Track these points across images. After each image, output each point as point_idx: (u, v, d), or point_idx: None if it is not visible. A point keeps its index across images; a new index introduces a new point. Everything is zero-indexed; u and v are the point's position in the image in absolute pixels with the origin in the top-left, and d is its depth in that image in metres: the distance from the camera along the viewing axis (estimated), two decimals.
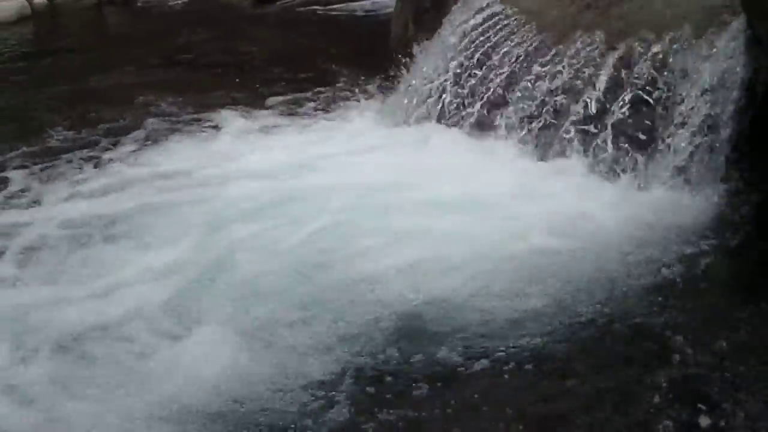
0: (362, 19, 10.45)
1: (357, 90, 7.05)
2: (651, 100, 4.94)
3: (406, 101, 6.04)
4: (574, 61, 5.22)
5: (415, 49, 6.37)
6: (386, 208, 4.84)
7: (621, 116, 4.96)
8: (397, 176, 5.20)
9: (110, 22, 12.02)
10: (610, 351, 3.60)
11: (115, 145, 6.34)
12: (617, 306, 3.87)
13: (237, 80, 7.87)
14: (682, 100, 4.84)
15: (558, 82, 5.27)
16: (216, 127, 6.55)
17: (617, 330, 3.71)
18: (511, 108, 5.43)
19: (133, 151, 6.18)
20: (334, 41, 9.18)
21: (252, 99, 7.14)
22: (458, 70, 5.79)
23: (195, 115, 6.85)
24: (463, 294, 4.00)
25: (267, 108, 6.90)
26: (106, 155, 6.11)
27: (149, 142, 6.34)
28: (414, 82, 6.11)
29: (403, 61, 6.45)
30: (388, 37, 7.81)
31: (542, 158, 5.26)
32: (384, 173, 5.27)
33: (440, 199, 4.87)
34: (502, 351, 3.59)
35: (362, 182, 5.20)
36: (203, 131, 6.50)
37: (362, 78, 7.34)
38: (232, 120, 6.64)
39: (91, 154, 6.17)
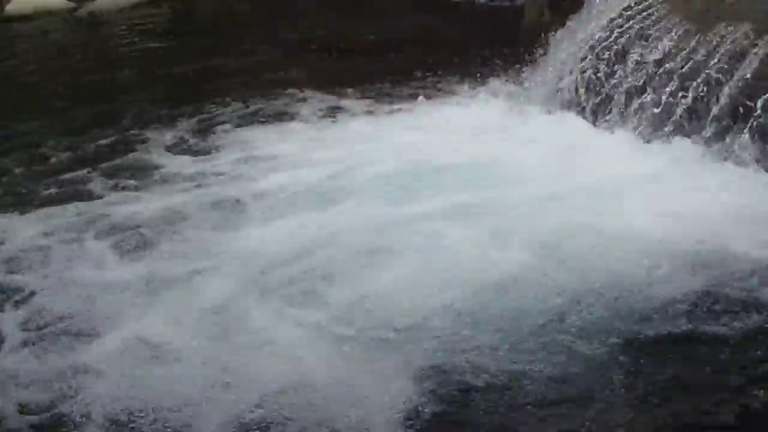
0: (492, 8, 10.39)
1: (489, 76, 7.02)
2: None
3: (541, 89, 5.99)
4: (720, 51, 5.06)
5: (551, 36, 6.32)
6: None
7: None
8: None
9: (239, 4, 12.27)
10: None
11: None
12: None
13: (369, 64, 7.94)
14: None
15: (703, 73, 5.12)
16: (352, 110, 6.65)
17: None
18: (649, 98, 5.31)
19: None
20: (465, 27, 9.17)
21: (386, 84, 7.19)
22: (597, 59, 5.70)
23: (330, 97, 6.97)
24: None
25: (400, 92, 6.96)
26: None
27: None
28: (550, 69, 6.05)
29: (538, 48, 6.40)
30: (518, 24, 7.76)
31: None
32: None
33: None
34: None
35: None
36: (339, 112, 6.61)
37: (494, 65, 7.30)
38: (368, 103, 6.73)
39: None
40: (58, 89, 8.38)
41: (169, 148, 6.18)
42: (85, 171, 5.85)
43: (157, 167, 5.84)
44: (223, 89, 7.45)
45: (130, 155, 6.12)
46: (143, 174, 5.74)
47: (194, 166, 5.78)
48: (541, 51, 6.32)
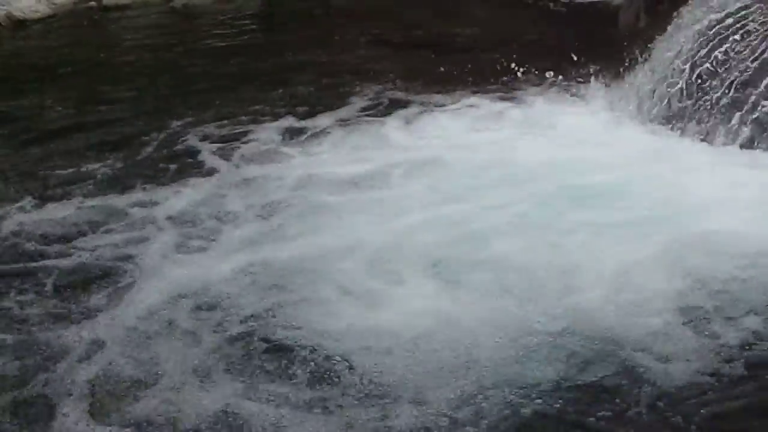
0: (585, 8, 10.33)
1: (582, 81, 7.02)
2: None
3: (637, 97, 5.98)
4: None
5: (648, 41, 6.31)
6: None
7: None
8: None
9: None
10: None
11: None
12: None
13: (455, 62, 7.97)
14: None
15: None
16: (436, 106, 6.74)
17: None
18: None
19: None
20: (554, 29, 9.16)
21: (475, 82, 7.25)
22: (695, 67, 5.68)
23: (414, 95, 7.06)
24: None
25: (489, 92, 7.00)
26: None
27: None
28: (645, 76, 6.04)
29: (634, 54, 6.39)
30: (613, 27, 7.74)
31: None
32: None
33: None
34: None
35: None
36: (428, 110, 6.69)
37: (586, 69, 7.30)
38: (458, 101, 6.79)
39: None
40: (153, 77, 8.69)
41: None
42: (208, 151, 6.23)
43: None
44: (318, 84, 7.60)
45: (247, 144, 6.38)
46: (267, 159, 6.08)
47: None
48: (637, 56, 6.31)
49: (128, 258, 4.87)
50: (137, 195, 5.75)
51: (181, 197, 5.64)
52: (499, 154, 5.66)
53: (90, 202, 5.70)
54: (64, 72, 9.47)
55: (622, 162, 5.36)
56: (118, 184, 6.01)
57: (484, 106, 6.71)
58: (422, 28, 9.57)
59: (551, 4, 10.30)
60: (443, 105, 6.87)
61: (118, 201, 5.67)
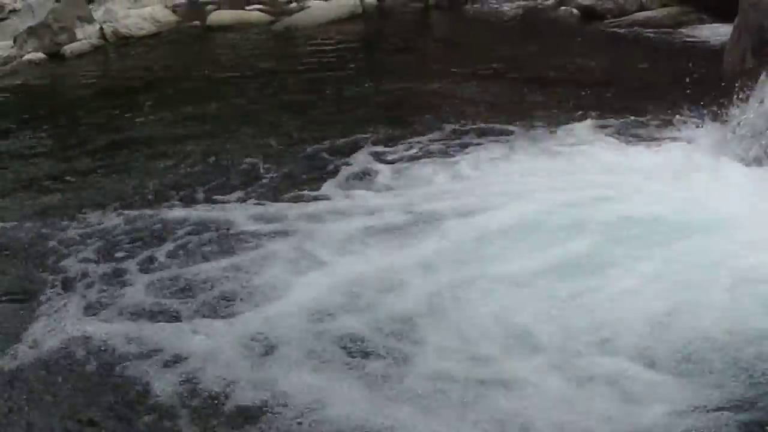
0: (691, 46, 10.19)
1: (684, 119, 6.90)
2: None
3: (742, 137, 5.87)
4: None
5: (753, 82, 6.18)
6: None
7: None
8: None
9: (435, 25, 12.47)
10: None
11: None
12: None
13: (559, 96, 7.91)
14: None
15: None
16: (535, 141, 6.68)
17: None
18: None
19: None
20: (660, 65, 9.03)
21: (575, 117, 7.17)
22: None
23: (516, 127, 7.02)
24: None
25: (589, 127, 6.92)
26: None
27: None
28: (751, 117, 5.92)
29: (739, 94, 6.27)
30: (718, 67, 7.60)
31: None
32: None
33: None
34: None
35: None
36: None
37: (690, 107, 7.16)
38: (564, 137, 6.73)
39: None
40: (251, 95, 8.92)
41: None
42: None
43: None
44: (413, 113, 7.62)
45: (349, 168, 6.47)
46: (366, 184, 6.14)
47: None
48: (743, 99, 6.18)
49: None
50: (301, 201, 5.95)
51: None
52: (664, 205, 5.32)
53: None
54: (165, 86, 9.80)
55: None
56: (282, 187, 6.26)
57: (602, 147, 6.53)
58: (527, 62, 9.49)
59: (654, 41, 10.18)
60: (536, 138, 6.78)
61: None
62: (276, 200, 5.97)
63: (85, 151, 7.56)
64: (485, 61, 9.43)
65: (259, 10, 13.50)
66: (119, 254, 5.33)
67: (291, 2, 14.01)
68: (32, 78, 11.10)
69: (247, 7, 13.90)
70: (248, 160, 6.81)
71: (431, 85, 8.60)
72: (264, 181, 6.38)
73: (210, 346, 4.21)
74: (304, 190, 6.13)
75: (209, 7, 14.71)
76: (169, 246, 5.37)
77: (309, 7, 12.92)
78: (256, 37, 12.04)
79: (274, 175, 6.50)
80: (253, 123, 7.92)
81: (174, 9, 14.59)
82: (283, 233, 5.36)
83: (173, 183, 6.53)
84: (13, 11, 17.61)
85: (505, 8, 12.24)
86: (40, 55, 11.92)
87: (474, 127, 7.07)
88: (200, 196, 6.22)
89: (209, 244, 5.34)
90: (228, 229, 5.52)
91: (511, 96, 8.11)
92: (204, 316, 4.52)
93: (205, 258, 5.16)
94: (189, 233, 5.53)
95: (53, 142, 8.08)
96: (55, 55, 12.01)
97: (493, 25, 11.59)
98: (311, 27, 11.97)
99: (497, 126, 7.06)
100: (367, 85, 8.84)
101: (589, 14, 11.27)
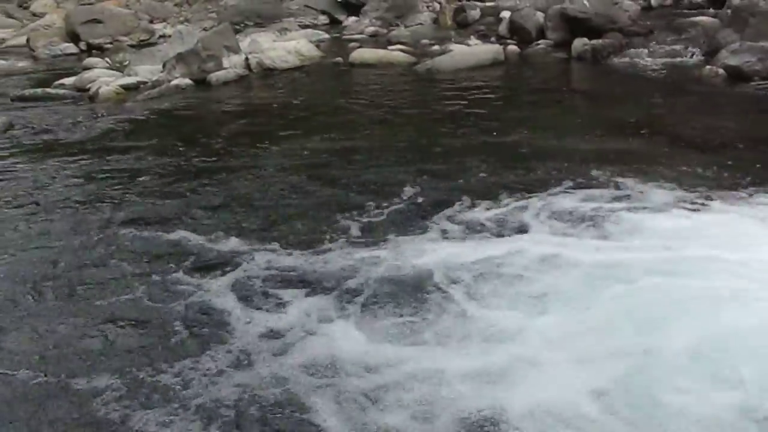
0: None
1: None
2: None
3: None
4: None
5: None
6: None
7: None
8: None
9: (576, 78, 12.46)
10: None
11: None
12: None
13: (704, 159, 7.74)
14: None
15: None
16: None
17: None
18: None
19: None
20: None
21: (725, 181, 7.04)
22: None
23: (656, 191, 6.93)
24: None
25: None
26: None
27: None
28: None
29: None
30: None
31: None
32: None
33: None
34: None
35: None
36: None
37: None
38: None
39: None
40: (388, 131, 9.13)
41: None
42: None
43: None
44: (549, 166, 7.62)
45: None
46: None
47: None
48: None
49: None
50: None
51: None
52: None
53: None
54: (303, 118, 10.14)
55: None
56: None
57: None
58: (667, 120, 9.35)
59: None
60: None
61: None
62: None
63: (222, 175, 7.91)
64: (624, 117, 9.36)
65: (402, 50, 13.77)
66: None
67: (433, 45, 14.25)
68: (179, 102, 11.57)
69: (390, 47, 14.21)
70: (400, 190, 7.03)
71: (569, 140, 8.56)
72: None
73: None
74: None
75: (352, 44, 15.12)
76: None
77: (452, 51, 13.10)
78: (396, 77, 12.27)
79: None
80: (389, 159, 8.09)
81: (318, 44, 15.04)
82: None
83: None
84: (163, 36, 18.46)
85: (648, 64, 12.13)
86: (187, 81, 12.42)
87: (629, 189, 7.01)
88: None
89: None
90: None
91: (652, 154, 8.00)
92: None
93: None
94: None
95: (195, 163, 8.45)
96: (201, 82, 12.51)
97: (635, 81, 11.46)
98: (452, 71, 12.13)
99: (644, 185, 6.99)
100: (498, 134, 8.88)
101: (736, 75, 11.05)
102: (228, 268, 5.79)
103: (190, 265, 5.89)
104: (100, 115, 11.11)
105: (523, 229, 6.18)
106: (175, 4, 21.42)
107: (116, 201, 7.42)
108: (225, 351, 4.78)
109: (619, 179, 7.10)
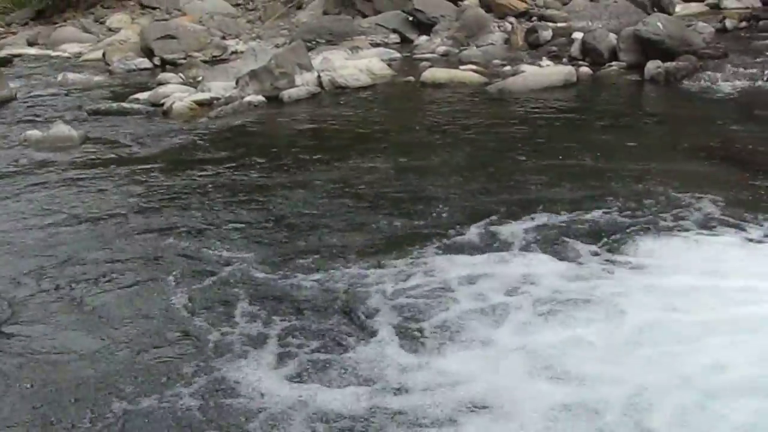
0: None
1: None
2: None
3: None
4: None
5: None
6: None
7: None
8: None
9: (648, 100, 12.38)
10: None
11: None
12: None
13: None
14: None
15: None
16: None
17: None
18: None
19: None
20: None
21: None
22: None
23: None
24: None
25: None
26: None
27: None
28: None
29: None
30: None
31: None
32: None
33: None
34: None
35: None
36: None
37: None
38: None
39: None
40: (462, 153, 9.17)
41: None
42: None
43: None
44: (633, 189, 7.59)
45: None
46: None
47: None
48: None
49: None
50: None
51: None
52: None
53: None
54: (374, 136, 10.32)
55: None
56: None
57: None
58: (745, 144, 9.22)
59: None
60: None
61: None
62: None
63: (291, 191, 8.07)
64: (699, 141, 9.29)
65: (473, 70, 13.82)
66: None
67: (505, 65, 14.27)
68: (251, 119, 11.75)
69: (461, 67, 14.26)
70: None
71: (642, 163, 8.51)
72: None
73: None
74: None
75: (423, 63, 15.21)
76: None
77: (523, 71, 13.11)
78: (468, 97, 12.31)
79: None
80: (461, 180, 8.15)
81: (389, 63, 15.16)
82: None
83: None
84: (235, 53, 18.74)
85: (723, 87, 12.01)
86: (260, 98, 12.60)
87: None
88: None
89: None
90: None
91: (728, 180, 7.92)
92: None
93: None
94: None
95: (265, 178, 8.67)
96: (273, 99, 12.67)
97: (709, 105, 11.35)
98: (524, 92, 12.12)
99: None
100: (580, 156, 8.85)
101: None
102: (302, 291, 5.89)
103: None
104: (173, 130, 11.33)
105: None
106: (248, 21, 21.72)
107: (182, 212, 7.67)
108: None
109: (700, 204, 7.05)
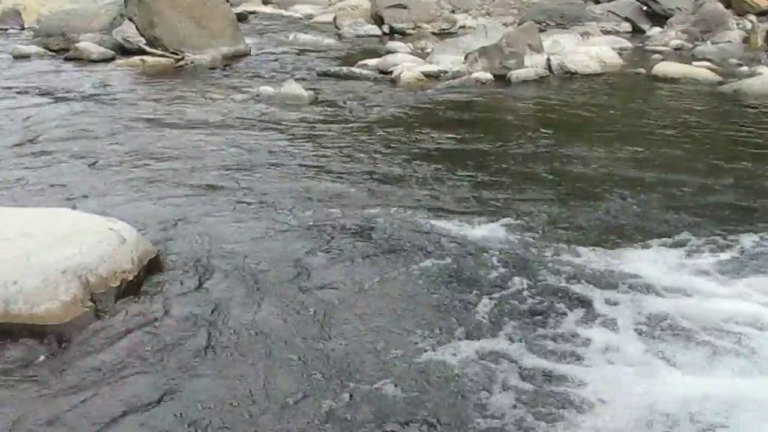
0: None
1: None
2: None
3: None
4: None
5: None
6: None
7: None
8: None
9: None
10: None
11: None
12: None
13: None
14: None
15: None
16: None
17: None
18: None
19: None
20: None
21: None
22: None
23: None
24: None
25: None
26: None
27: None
28: None
29: None
30: None
31: None
32: None
33: None
34: None
35: None
36: None
37: None
38: None
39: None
40: (692, 152, 9.01)
41: None
42: None
43: None
44: None
45: None
46: None
47: None
48: None
49: None
50: None
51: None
52: None
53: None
54: (600, 126, 10.31)
55: None
56: None
57: None
58: None
59: None
60: None
61: None
62: None
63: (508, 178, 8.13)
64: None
65: (707, 67, 13.57)
66: None
67: (741, 65, 13.95)
68: (477, 95, 12.01)
69: (695, 63, 14.04)
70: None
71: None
72: None
73: None
74: None
75: (655, 56, 15.05)
76: None
77: (761, 74, 12.78)
78: (700, 95, 12.08)
79: None
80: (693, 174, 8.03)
81: (620, 52, 15.09)
82: None
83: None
84: (463, 27, 19.04)
85: None
86: (488, 75, 12.85)
87: None
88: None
89: None
90: None
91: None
92: None
93: None
94: None
95: (485, 155, 8.75)
96: (500, 78, 12.91)
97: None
98: (763, 95, 11.77)
99: None
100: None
101: None
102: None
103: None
104: (401, 98, 11.72)
105: None
106: None
107: (399, 181, 7.80)
108: None
109: None
